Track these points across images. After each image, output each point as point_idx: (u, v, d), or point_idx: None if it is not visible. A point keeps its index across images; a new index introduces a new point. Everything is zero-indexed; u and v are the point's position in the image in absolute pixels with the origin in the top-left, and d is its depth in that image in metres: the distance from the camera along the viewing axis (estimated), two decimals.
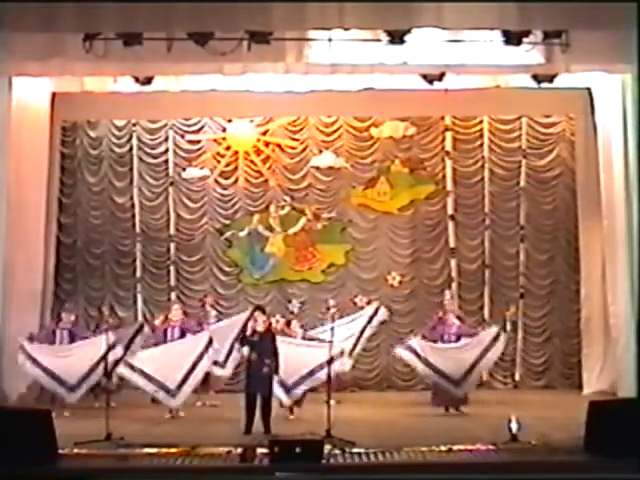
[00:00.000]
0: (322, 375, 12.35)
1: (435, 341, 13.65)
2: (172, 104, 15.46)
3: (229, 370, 14.06)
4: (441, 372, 13.41)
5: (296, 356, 12.57)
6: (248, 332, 12.10)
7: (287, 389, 12.65)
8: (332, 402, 11.36)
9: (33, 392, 14.58)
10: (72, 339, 13.84)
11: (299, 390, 12.78)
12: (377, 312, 14.91)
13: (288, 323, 14.07)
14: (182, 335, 13.41)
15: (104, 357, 12.58)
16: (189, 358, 12.87)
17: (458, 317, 14.21)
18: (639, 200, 13.36)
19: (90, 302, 16.89)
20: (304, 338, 13.66)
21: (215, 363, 13.55)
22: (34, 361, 13.25)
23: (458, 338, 13.67)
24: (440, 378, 13.43)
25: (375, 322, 14.89)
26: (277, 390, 12.36)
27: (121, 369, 12.96)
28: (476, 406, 13.58)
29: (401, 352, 13.82)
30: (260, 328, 12.05)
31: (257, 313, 12.28)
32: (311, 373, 12.62)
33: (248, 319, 13.47)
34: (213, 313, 15.20)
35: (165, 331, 13.54)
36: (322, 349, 12.27)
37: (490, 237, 16.90)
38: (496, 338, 13.52)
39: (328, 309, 14.79)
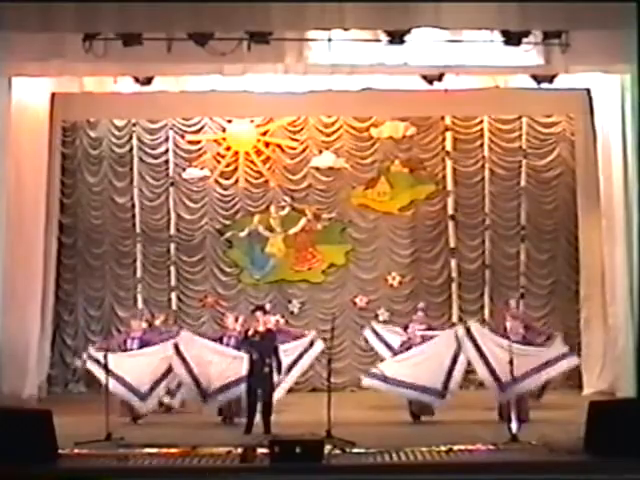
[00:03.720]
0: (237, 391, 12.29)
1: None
2: (172, 104, 15.46)
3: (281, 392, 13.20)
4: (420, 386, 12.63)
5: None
6: (250, 332, 12.08)
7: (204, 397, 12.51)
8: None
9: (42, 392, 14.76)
10: (142, 347, 13.20)
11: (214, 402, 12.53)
12: (312, 344, 13.67)
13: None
14: (140, 347, 13.10)
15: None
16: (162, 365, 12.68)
17: (526, 326, 13.29)
18: (639, 200, 13.36)
19: (90, 302, 16.91)
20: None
21: None
22: (108, 371, 12.24)
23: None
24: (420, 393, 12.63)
25: (311, 354, 13.61)
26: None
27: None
28: (476, 406, 13.58)
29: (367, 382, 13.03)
30: (261, 328, 12.06)
31: (258, 313, 12.28)
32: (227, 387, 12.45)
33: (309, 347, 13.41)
34: (174, 329, 14.40)
35: (125, 341, 13.29)
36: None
37: (490, 237, 16.91)
38: (565, 355, 12.74)
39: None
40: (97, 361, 12.66)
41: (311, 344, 13.55)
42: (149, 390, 12.71)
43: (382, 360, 13.72)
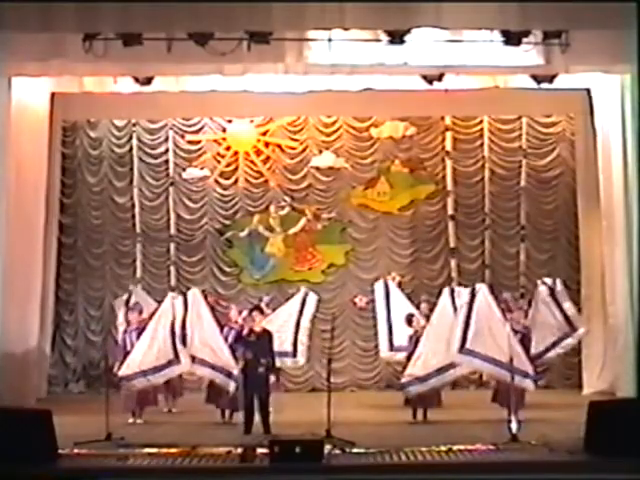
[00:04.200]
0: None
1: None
2: (172, 104, 15.47)
3: (302, 359, 13.73)
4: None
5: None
6: (245, 332, 12.09)
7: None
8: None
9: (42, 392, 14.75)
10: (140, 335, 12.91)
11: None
12: (306, 297, 14.08)
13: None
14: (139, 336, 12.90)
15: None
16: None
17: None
18: (638, 200, 13.36)
19: (90, 302, 16.92)
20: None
21: (284, 354, 13.19)
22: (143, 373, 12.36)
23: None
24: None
25: (308, 307, 14.01)
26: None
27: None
28: (476, 406, 13.58)
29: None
30: (257, 328, 12.06)
31: (254, 313, 12.28)
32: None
33: (303, 303, 13.73)
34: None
35: (124, 340, 13.05)
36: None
37: (490, 237, 16.92)
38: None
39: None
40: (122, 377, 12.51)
41: (304, 300, 13.97)
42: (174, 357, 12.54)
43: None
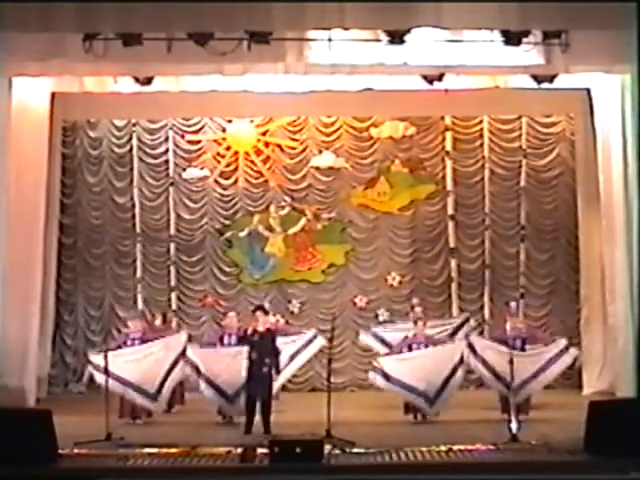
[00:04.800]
0: None
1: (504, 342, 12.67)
2: (172, 104, 15.46)
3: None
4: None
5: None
6: (249, 332, 12.09)
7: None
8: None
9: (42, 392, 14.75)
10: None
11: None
12: (315, 339, 13.79)
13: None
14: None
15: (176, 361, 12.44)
16: (164, 363, 12.60)
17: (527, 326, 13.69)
18: (638, 200, 13.36)
19: (90, 302, 16.91)
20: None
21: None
22: (111, 375, 12.02)
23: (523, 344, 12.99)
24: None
25: (312, 349, 13.78)
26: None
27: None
28: (476, 406, 13.58)
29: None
30: (260, 328, 12.06)
31: (258, 313, 12.28)
32: None
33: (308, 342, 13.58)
34: (174, 328, 14.65)
35: (125, 342, 13.10)
36: None
37: (490, 237, 16.91)
38: (564, 350, 12.96)
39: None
40: (97, 366, 12.39)
41: (311, 341, 13.64)
42: (158, 388, 12.58)
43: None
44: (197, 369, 12.53)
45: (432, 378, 12.54)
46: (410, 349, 13.01)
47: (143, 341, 12.98)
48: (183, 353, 12.56)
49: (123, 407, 12.77)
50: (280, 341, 12.55)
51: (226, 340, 13.03)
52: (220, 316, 15.59)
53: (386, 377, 12.64)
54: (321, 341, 13.69)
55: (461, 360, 12.62)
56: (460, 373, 12.70)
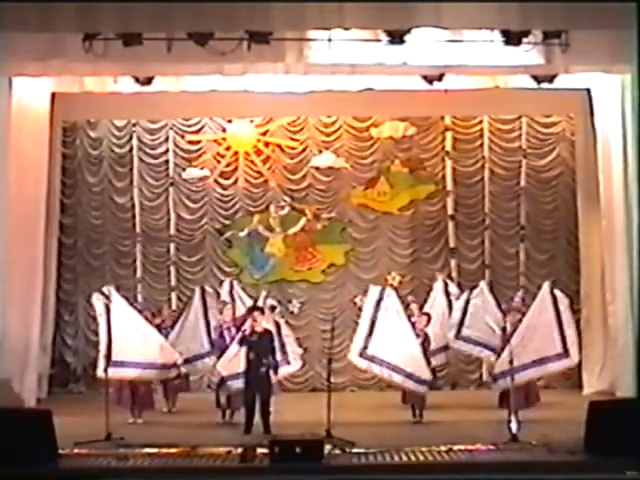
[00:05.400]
0: None
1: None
2: (172, 104, 15.47)
3: (296, 365, 13.55)
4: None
5: None
6: (247, 332, 12.09)
7: None
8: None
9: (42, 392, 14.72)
10: None
11: None
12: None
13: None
14: None
15: None
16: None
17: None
18: (638, 200, 13.36)
19: (90, 302, 16.87)
20: None
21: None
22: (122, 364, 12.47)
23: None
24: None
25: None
26: None
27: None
28: (476, 406, 13.58)
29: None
30: (259, 328, 12.06)
31: (256, 313, 12.28)
32: None
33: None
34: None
35: None
36: None
37: (490, 237, 16.92)
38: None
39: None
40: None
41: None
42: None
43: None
44: None
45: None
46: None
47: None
48: None
49: (121, 397, 12.80)
50: None
51: (226, 335, 13.00)
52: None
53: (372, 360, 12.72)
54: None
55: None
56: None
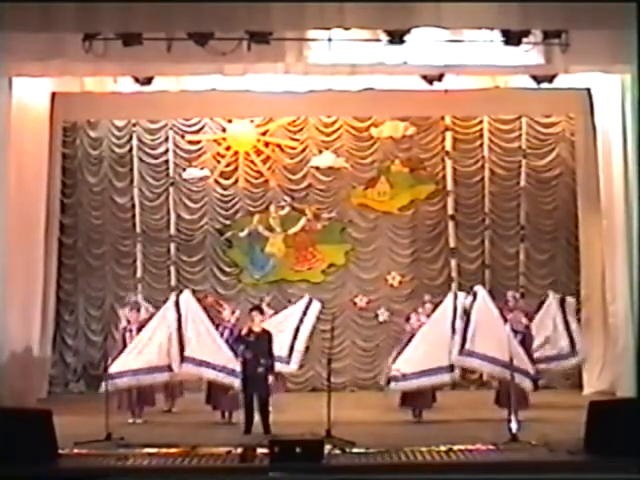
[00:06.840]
0: None
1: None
2: (172, 104, 15.45)
3: (295, 366, 13.76)
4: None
5: None
6: (244, 332, 12.09)
7: None
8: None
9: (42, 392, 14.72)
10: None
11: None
12: (310, 304, 14.22)
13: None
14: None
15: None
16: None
17: (527, 314, 13.67)
18: (639, 200, 13.36)
19: (91, 302, 16.92)
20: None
21: (278, 359, 12.87)
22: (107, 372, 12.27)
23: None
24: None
25: (310, 315, 14.12)
26: None
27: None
28: (476, 406, 13.58)
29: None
30: (257, 328, 12.06)
31: (254, 313, 12.29)
32: None
33: (305, 310, 13.86)
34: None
35: (124, 335, 13.16)
36: None
37: (490, 237, 16.92)
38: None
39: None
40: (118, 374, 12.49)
41: (308, 307, 14.03)
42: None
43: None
44: None
45: (440, 348, 12.56)
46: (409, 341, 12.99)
47: (139, 331, 13.03)
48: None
49: (121, 400, 12.80)
50: (277, 320, 13.12)
51: (225, 335, 12.98)
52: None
53: (406, 378, 12.60)
54: (317, 305, 14.14)
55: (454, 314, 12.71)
56: (459, 324, 12.59)
